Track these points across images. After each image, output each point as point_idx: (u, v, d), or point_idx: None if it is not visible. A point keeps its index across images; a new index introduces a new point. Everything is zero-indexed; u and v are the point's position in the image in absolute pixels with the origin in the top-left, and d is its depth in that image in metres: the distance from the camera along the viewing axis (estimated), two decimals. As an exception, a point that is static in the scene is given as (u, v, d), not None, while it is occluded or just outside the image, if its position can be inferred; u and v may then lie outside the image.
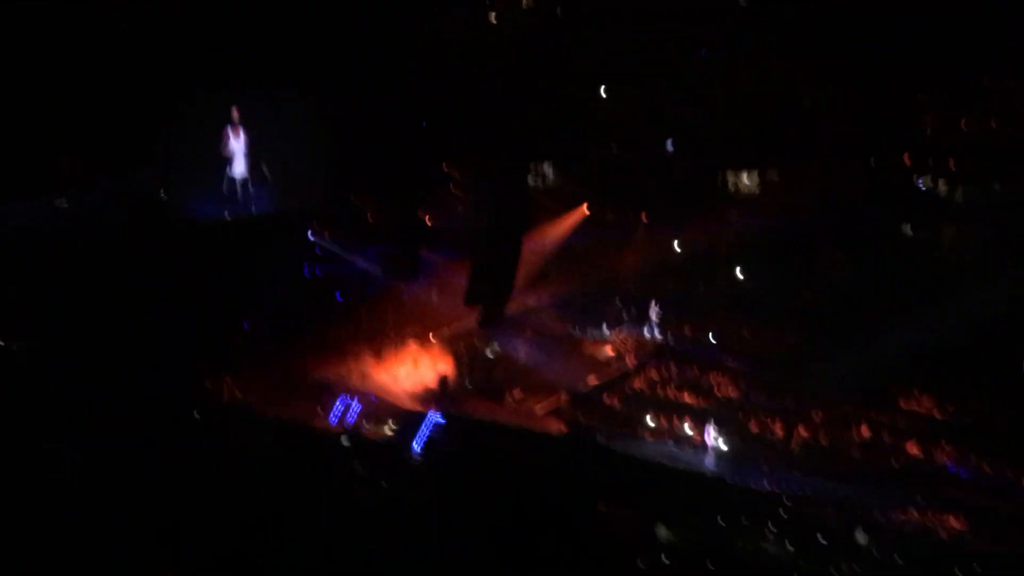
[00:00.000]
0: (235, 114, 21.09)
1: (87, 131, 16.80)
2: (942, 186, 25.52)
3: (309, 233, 24.22)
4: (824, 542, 16.07)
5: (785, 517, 17.46)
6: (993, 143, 22.44)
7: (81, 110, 16.54)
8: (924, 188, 25.58)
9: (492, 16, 20.47)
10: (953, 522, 17.06)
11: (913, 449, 19.99)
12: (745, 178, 28.19)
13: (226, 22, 16.99)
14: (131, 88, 17.12)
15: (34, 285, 16.39)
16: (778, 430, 20.90)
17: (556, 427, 20.47)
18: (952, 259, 25.00)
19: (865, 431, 20.95)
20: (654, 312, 27.67)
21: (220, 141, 20.86)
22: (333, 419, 20.51)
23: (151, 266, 19.03)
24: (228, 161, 21.09)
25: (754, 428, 20.98)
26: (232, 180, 21.18)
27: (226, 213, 21.08)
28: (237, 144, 21.15)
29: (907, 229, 26.04)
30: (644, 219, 29.60)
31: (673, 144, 27.90)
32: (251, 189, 21.61)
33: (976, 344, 22.53)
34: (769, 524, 17.02)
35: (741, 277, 28.83)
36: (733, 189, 28.35)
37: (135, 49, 16.24)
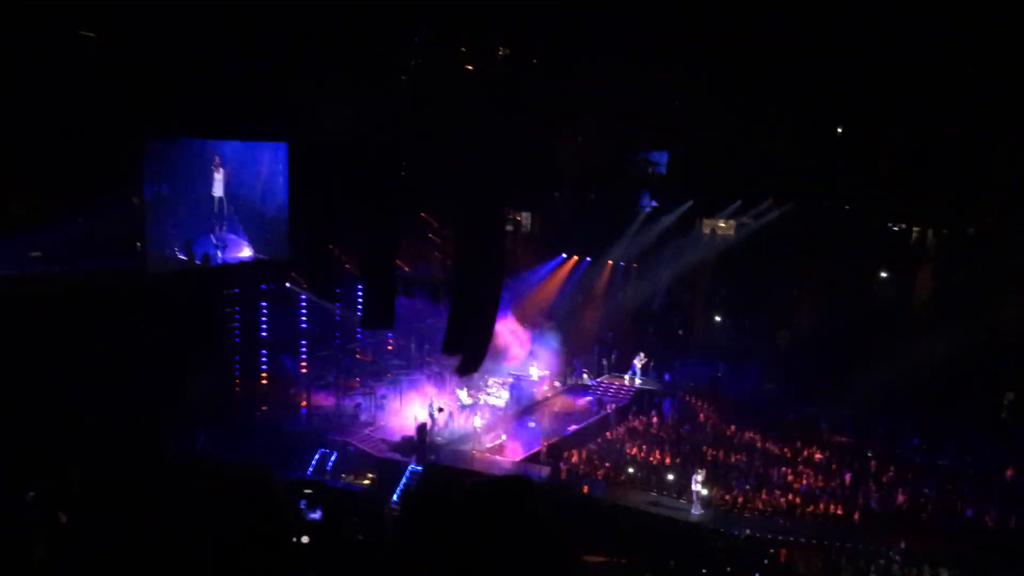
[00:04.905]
0: (217, 161, 21.02)
1: (60, 177, 16.61)
2: (915, 231, 25.91)
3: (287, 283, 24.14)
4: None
5: (768, 564, 17.30)
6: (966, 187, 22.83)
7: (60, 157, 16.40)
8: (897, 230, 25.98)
9: (469, 66, 20.62)
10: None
11: (896, 494, 19.93)
12: (722, 224, 28.46)
13: (211, 70, 16.94)
14: (110, 132, 17.01)
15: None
16: (761, 477, 20.79)
17: (536, 475, 20.23)
18: (925, 302, 25.30)
19: (847, 477, 20.88)
20: (637, 360, 27.67)
21: (202, 186, 20.76)
22: (310, 468, 20.21)
23: (126, 319, 18.75)
24: (210, 208, 21.00)
25: (736, 475, 20.84)
26: (210, 227, 21.07)
27: (205, 255, 20.89)
28: (218, 192, 21.08)
29: (882, 273, 26.34)
30: (624, 267, 29.84)
31: (651, 195, 28.25)
32: (227, 238, 21.49)
33: (953, 386, 22.72)
34: (755, 572, 16.85)
35: (721, 322, 29.04)
36: (710, 236, 28.61)
37: (112, 89, 16.10)
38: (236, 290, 22.59)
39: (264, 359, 23.45)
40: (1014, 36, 16.10)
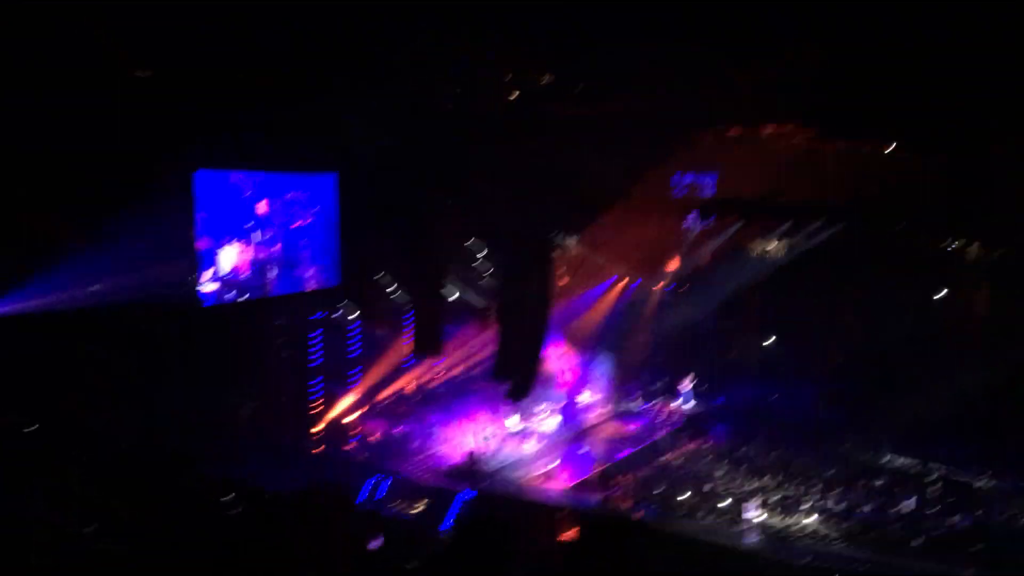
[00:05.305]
0: (269, 191, 21.37)
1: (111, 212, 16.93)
2: (971, 249, 25.27)
3: (336, 310, 24.33)
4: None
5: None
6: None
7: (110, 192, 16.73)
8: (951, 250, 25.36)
9: (515, 94, 20.73)
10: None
11: (959, 520, 19.33)
12: (772, 246, 28.09)
13: (250, 102, 17.26)
14: (152, 164, 17.36)
15: (56, 365, 16.40)
16: (818, 503, 20.32)
17: (589, 502, 20.05)
18: (983, 322, 24.61)
19: (908, 500, 20.32)
20: (687, 383, 27.35)
21: (247, 219, 21.05)
22: (362, 496, 20.21)
23: (180, 348, 19.10)
24: (255, 240, 21.28)
25: (793, 501, 20.42)
26: (259, 258, 21.35)
27: (253, 293, 21.16)
28: (264, 223, 21.38)
29: (937, 292, 25.72)
30: (673, 290, 29.58)
31: (698, 217, 28.00)
32: (277, 268, 21.77)
33: (1013, 408, 22.04)
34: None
35: (773, 344, 28.55)
36: (760, 257, 28.23)
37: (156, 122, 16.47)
38: (288, 319, 22.85)
39: (316, 387, 23.63)
40: None
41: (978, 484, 21.54)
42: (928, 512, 19.90)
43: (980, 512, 19.76)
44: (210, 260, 20.01)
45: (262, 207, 21.28)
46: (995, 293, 24.55)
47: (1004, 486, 21.24)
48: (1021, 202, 21.97)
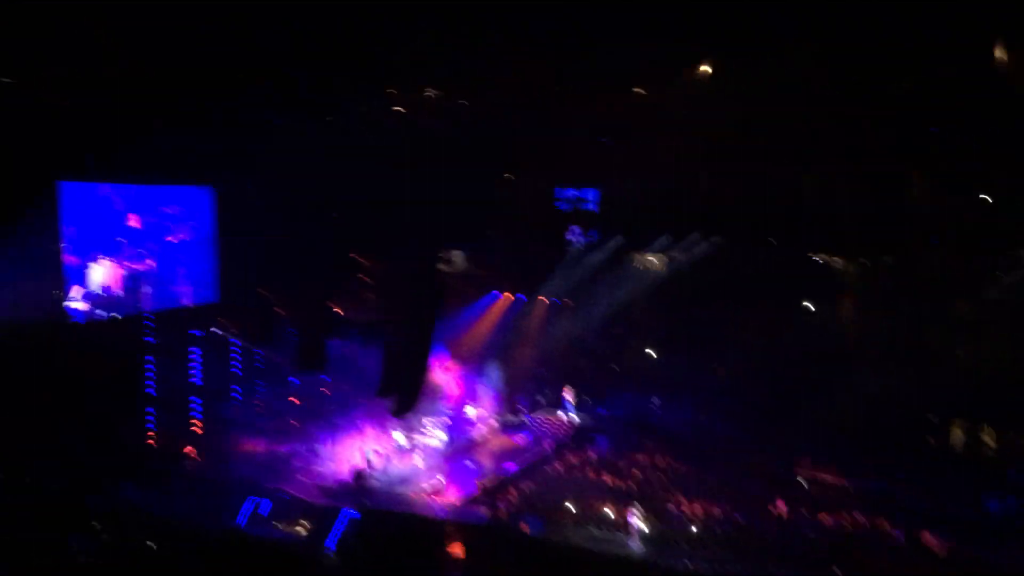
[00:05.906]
0: (142, 206, 20.63)
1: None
2: (838, 262, 26.59)
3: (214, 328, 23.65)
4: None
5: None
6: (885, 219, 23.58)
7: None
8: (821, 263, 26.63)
9: (401, 108, 20.67)
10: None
11: (827, 520, 20.18)
12: (654, 260, 28.84)
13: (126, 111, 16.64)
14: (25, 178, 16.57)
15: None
16: (697, 510, 20.86)
17: (476, 516, 20.03)
18: (851, 334, 25.90)
19: (781, 506, 21.06)
20: (570, 395, 27.71)
21: (118, 234, 20.24)
22: (242, 519, 19.64)
23: (47, 366, 18.19)
24: (126, 254, 20.49)
25: (674, 508, 20.90)
26: (131, 274, 20.57)
27: (125, 309, 20.37)
28: (137, 238, 20.63)
29: (809, 305, 26.93)
30: (557, 302, 29.97)
31: (581, 231, 28.55)
32: (151, 284, 21.03)
33: (879, 415, 23.27)
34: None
35: (655, 356, 29.24)
36: (641, 270, 28.95)
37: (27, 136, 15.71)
38: (163, 336, 22.09)
39: (195, 407, 22.90)
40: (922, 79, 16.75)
41: (850, 487, 22.53)
42: (801, 517, 20.66)
43: (851, 516, 20.62)
44: (79, 276, 19.17)
45: (134, 221, 20.52)
46: (861, 303, 25.85)
47: (873, 488, 22.29)
48: (887, 216, 23.34)
